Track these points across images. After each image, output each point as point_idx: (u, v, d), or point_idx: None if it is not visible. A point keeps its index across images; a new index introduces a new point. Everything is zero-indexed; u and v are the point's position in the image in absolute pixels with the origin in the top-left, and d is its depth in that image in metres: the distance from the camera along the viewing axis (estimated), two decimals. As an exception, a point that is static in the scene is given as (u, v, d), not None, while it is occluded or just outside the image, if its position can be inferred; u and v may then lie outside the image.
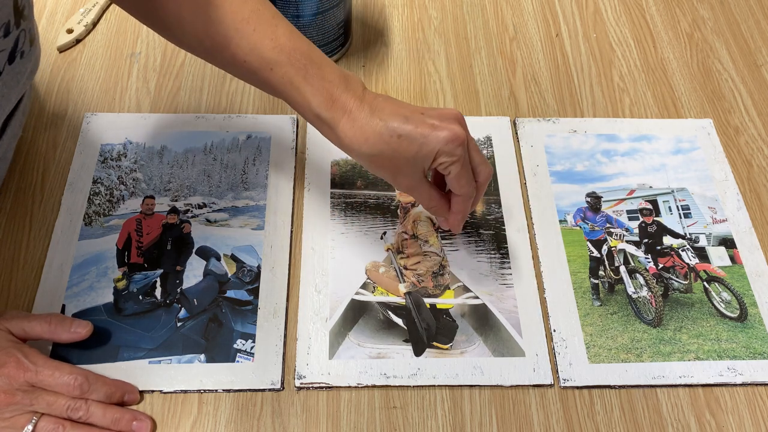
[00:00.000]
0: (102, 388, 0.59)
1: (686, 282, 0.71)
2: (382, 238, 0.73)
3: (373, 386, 0.63)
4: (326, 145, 0.79)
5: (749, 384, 0.65)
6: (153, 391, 0.62)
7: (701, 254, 0.73)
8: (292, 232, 0.72)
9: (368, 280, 0.69)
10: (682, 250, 0.74)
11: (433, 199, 0.61)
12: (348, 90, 0.58)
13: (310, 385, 0.63)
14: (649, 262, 0.73)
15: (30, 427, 0.56)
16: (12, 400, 0.56)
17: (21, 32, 0.61)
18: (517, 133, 0.81)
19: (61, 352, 0.63)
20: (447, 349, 0.66)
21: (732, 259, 0.73)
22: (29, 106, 0.77)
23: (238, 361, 0.64)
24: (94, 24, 0.88)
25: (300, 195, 0.75)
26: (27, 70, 0.66)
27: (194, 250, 0.70)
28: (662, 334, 0.67)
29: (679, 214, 0.76)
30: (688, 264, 0.73)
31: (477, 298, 0.69)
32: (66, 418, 0.57)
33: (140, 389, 0.62)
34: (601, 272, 0.71)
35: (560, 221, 0.75)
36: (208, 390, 0.63)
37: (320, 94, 0.58)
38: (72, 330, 0.62)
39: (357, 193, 0.76)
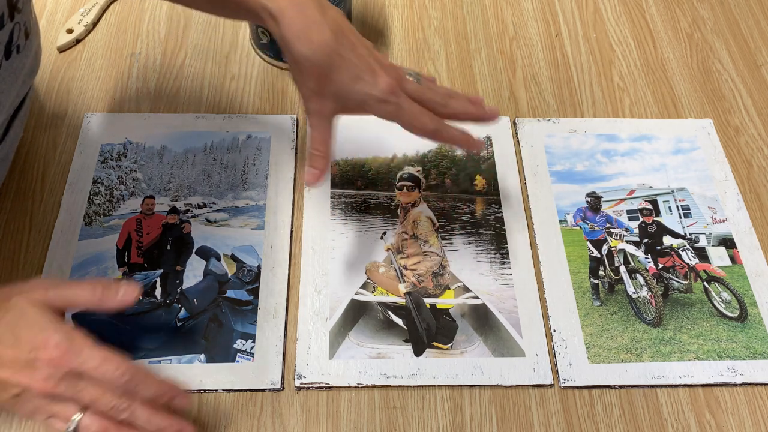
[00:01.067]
0: (151, 389, 0.53)
1: (686, 282, 0.71)
2: (382, 238, 0.73)
3: (373, 386, 0.63)
4: (326, 145, 0.79)
5: (749, 384, 0.65)
6: (153, 391, 0.62)
7: (701, 254, 0.73)
8: (292, 232, 0.72)
9: (368, 280, 0.69)
10: (682, 250, 0.74)
11: (321, 140, 0.60)
12: None
13: (310, 385, 0.63)
14: (649, 262, 0.73)
15: (71, 427, 0.51)
16: (55, 390, 0.50)
17: (15, 25, 0.61)
18: (517, 133, 0.81)
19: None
20: (447, 349, 0.66)
21: (732, 259, 0.73)
22: (29, 107, 0.77)
23: (238, 361, 0.64)
24: (94, 24, 0.88)
25: (300, 195, 0.75)
26: (25, 66, 0.66)
27: (194, 250, 0.70)
28: (662, 334, 0.67)
29: (679, 214, 0.76)
30: (688, 264, 0.73)
31: (477, 298, 0.69)
32: (109, 417, 0.52)
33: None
34: (601, 272, 0.71)
35: (560, 221, 0.75)
36: (208, 390, 0.63)
37: None
38: (121, 296, 0.54)
39: (357, 193, 0.76)
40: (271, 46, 0.83)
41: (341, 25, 0.58)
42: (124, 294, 0.55)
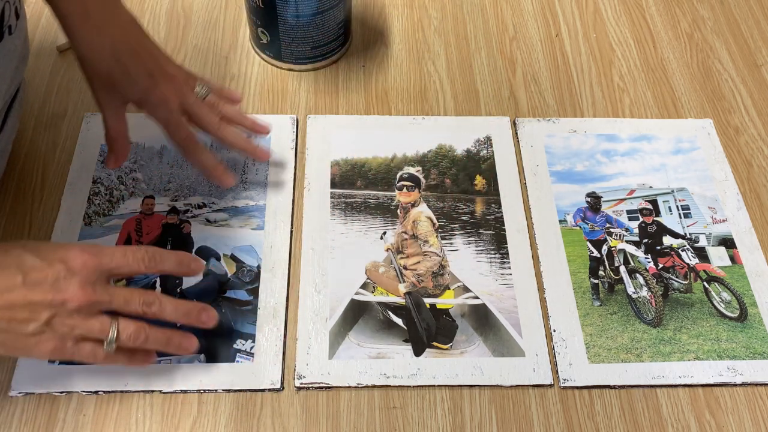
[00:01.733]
0: (171, 257, 0.58)
1: (686, 282, 0.71)
2: (382, 238, 0.73)
3: (373, 386, 0.63)
4: (326, 145, 0.79)
5: (749, 384, 0.65)
6: (153, 391, 0.62)
7: (701, 254, 0.73)
8: (292, 232, 0.72)
9: (368, 280, 0.69)
10: (682, 250, 0.74)
11: (117, 128, 0.66)
12: None
13: (310, 385, 0.63)
14: (649, 262, 0.73)
15: (112, 334, 0.53)
16: (91, 297, 0.52)
17: (5, 4, 0.60)
18: (517, 133, 0.81)
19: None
20: (447, 349, 0.66)
21: (732, 259, 0.73)
22: (23, 99, 0.77)
23: (238, 361, 0.64)
24: (94, 24, 0.88)
25: (300, 195, 0.75)
26: (18, 48, 0.65)
27: (194, 250, 0.70)
28: (662, 334, 0.67)
29: (679, 214, 0.76)
30: (688, 264, 0.73)
31: (477, 298, 0.69)
32: (141, 315, 0.55)
33: (140, 389, 0.62)
34: (601, 272, 0.71)
35: (560, 221, 0.74)
36: (208, 390, 0.63)
37: None
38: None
39: (357, 193, 0.76)
40: (271, 46, 0.83)
41: (127, 31, 0.63)
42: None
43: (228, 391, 0.63)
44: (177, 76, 0.65)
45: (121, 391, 0.62)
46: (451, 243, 0.73)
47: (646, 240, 0.74)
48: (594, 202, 0.77)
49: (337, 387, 0.63)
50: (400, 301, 0.68)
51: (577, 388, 0.64)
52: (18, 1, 0.64)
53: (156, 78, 0.63)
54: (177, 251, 0.61)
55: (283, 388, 0.63)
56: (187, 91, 0.66)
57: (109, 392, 0.62)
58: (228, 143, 0.69)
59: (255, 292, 0.68)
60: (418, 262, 0.71)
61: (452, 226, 0.74)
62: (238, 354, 0.64)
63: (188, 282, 0.68)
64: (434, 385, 0.64)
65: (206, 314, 0.59)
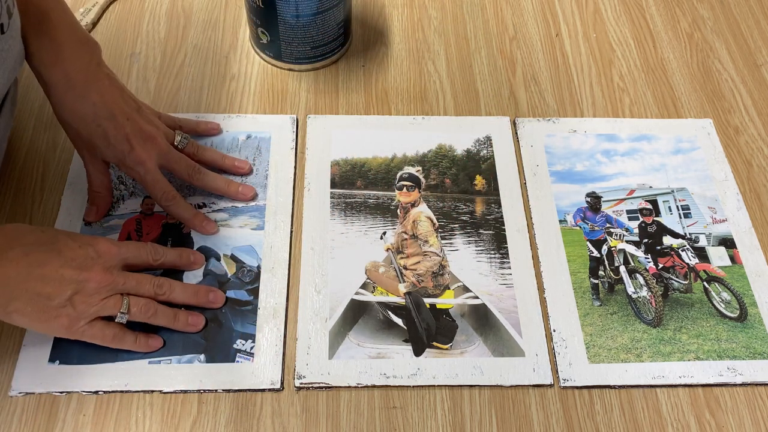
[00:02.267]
0: (172, 251, 0.67)
1: (686, 282, 0.71)
2: (381, 238, 0.73)
3: (373, 386, 0.63)
4: (326, 145, 0.79)
5: (749, 384, 0.65)
6: (153, 391, 0.62)
7: (701, 254, 0.73)
8: (292, 232, 0.72)
9: (368, 280, 0.69)
10: (682, 250, 0.74)
11: (100, 183, 0.71)
12: (78, 58, 0.65)
13: (310, 385, 0.63)
14: (649, 262, 0.73)
15: (124, 308, 0.60)
16: (111, 279, 0.59)
17: None
18: (517, 133, 0.81)
19: (60, 353, 0.63)
20: (447, 349, 0.66)
21: (732, 259, 0.73)
22: (23, 98, 0.77)
23: (237, 361, 0.64)
24: (94, 24, 0.88)
25: (300, 195, 0.75)
26: (13, 49, 0.64)
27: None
28: (662, 334, 0.67)
29: (679, 214, 0.76)
30: (688, 264, 0.73)
31: (477, 298, 0.69)
32: (152, 298, 0.62)
33: (140, 389, 0.62)
34: (601, 272, 0.71)
35: (560, 221, 0.74)
36: (208, 390, 0.63)
37: (46, 53, 0.64)
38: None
39: (357, 193, 0.76)
40: (271, 45, 0.83)
41: (106, 95, 0.66)
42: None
43: (228, 391, 0.63)
44: (155, 136, 0.68)
45: (121, 391, 0.62)
46: (451, 243, 0.73)
47: (646, 240, 0.74)
48: (594, 202, 0.77)
49: (337, 387, 0.63)
50: (400, 301, 0.68)
51: (577, 388, 0.64)
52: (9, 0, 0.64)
53: (132, 142, 0.66)
54: (181, 248, 0.68)
55: (283, 388, 0.63)
56: (164, 146, 0.69)
57: (109, 392, 0.62)
58: (209, 189, 0.73)
59: (255, 292, 0.68)
60: (418, 262, 0.71)
61: (452, 226, 0.74)
62: (238, 354, 0.64)
63: (188, 282, 0.68)
64: (434, 385, 0.64)
65: (213, 294, 0.66)
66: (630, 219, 0.76)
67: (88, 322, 0.59)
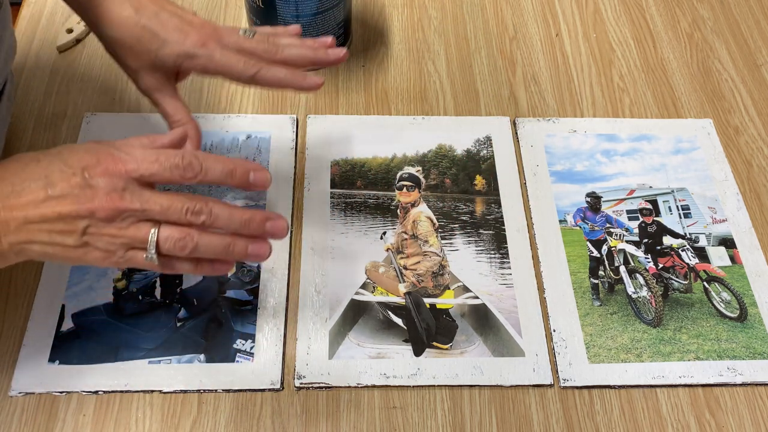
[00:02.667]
0: (216, 165, 0.49)
1: (686, 282, 0.71)
2: (381, 238, 0.73)
3: (373, 386, 0.63)
4: (326, 145, 0.79)
5: (749, 384, 0.65)
6: (153, 391, 0.62)
7: (701, 254, 0.73)
8: (292, 232, 0.72)
9: (368, 280, 0.69)
10: (682, 250, 0.74)
11: (174, 108, 0.61)
12: None
13: (310, 385, 0.63)
14: (649, 262, 0.73)
15: (153, 238, 0.47)
16: (121, 204, 0.46)
17: None
18: (517, 133, 0.81)
19: (60, 353, 0.63)
20: (447, 349, 0.66)
21: (732, 259, 0.73)
22: (21, 98, 0.76)
23: (237, 361, 0.64)
24: (94, 24, 0.88)
25: (300, 195, 0.75)
26: (3, 39, 0.64)
27: (194, 250, 0.70)
28: (662, 334, 0.67)
29: (679, 214, 0.76)
30: (688, 264, 0.72)
31: (477, 298, 0.69)
32: (187, 225, 0.48)
33: (140, 389, 0.62)
34: (601, 272, 0.71)
35: (560, 221, 0.74)
36: (208, 390, 0.63)
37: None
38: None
39: (357, 193, 0.76)
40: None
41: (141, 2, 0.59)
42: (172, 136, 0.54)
43: (228, 391, 0.63)
44: (206, 25, 0.60)
45: (121, 391, 0.62)
46: (451, 243, 0.73)
47: (646, 240, 0.74)
48: (594, 202, 0.77)
49: (337, 387, 0.63)
50: (400, 301, 0.68)
51: (577, 388, 0.64)
52: None
53: (185, 30, 0.58)
54: (228, 158, 0.50)
55: (283, 388, 0.63)
56: (224, 33, 0.59)
57: (109, 392, 0.62)
58: (294, 61, 0.60)
59: (255, 292, 0.68)
60: (418, 262, 0.71)
61: (452, 226, 0.74)
62: (238, 354, 0.64)
63: (188, 282, 0.68)
64: (434, 385, 0.64)
65: (272, 223, 0.49)
66: (630, 219, 0.76)
67: (126, 251, 0.48)
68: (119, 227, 0.47)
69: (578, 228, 0.75)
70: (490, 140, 0.80)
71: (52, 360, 0.63)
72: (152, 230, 0.47)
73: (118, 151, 0.48)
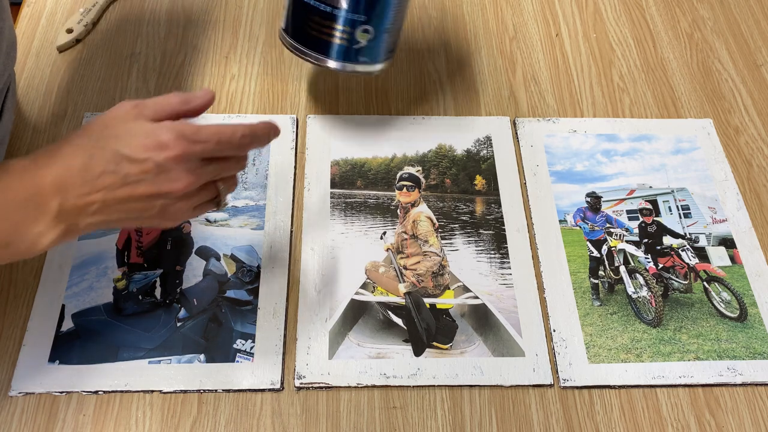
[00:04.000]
0: (263, 130, 0.54)
1: (686, 282, 0.71)
2: (381, 238, 0.72)
3: (373, 386, 0.63)
4: (326, 145, 0.79)
5: (749, 384, 0.65)
6: (153, 391, 0.62)
7: (701, 254, 0.73)
8: (292, 232, 0.72)
9: (368, 280, 0.69)
10: (682, 250, 0.74)
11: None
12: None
13: (310, 385, 0.63)
14: (649, 262, 0.72)
15: (224, 193, 0.55)
16: (195, 180, 0.51)
17: None
18: (516, 133, 0.81)
19: (60, 353, 0.63)
20: (447, 349, 0.66)
21: (732, 259, 0.73)
22: (22, 97, 0.77)
23: (237, 361, 0.64)
24: (94, 24, 0.88)
25: (300, 195, 0.75)
26: (3, 31, 0.64)
27: (194, 250, 0.70)
28: (662, 334, 0.67)
29: (679, 214, 0.76)
30: (688, 264, 0.72)
31: (477, 298, 0.69)
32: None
33: (140, 389, 0.62)
34: (601, 272, 0.71)
35: (560, 221, 0.74)
36: (208, 390, 0.63)
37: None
38: (201, 96, 0.55)
39: (357, 193, 0.76)
40: (374, 45, 0.70)
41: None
42: (203, 95, 0.55)
43: (228, 391, 0.63)
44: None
45: (121, 391, 0.62)
46: (451, 243, 0.73)
47: (646, 240, 0.74)
48: (594, 202, 0.77)
49: (337, 387, 0.63)
50: (400, 301, 0.68)
51: (577, 388, 0.64)
52: None
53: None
54: (264, 122, 0.55)
55: (283, 388, 0.63)
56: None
57: (109, 392, 0.62)
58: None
59: (255, 292, 0.68)
60: (418, 262, 0.71)
61: (452, 226, 0.74)
62: (238, 354, 0.64)
63: (188, 282, 0.68)
64: (434, 385, 0.64)
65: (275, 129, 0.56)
66: (630, 219, 0.76)
67: (195, 209, 0.54)
68: (193, 195, 0.53)
69: (578, 228, 0.74)
70: (490, 140, 0.80)
71: (52, 360, 0.63)
72: (220, 186, 0.54)
73: (182, 134, 0.50)
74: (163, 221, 0.53)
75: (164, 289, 0.68)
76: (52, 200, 0.48)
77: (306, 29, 0.69)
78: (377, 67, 0.72)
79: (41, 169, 0.48)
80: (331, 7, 0.67)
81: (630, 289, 0.70)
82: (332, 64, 0.70)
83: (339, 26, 0.68)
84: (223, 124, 0.52)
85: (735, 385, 0.65)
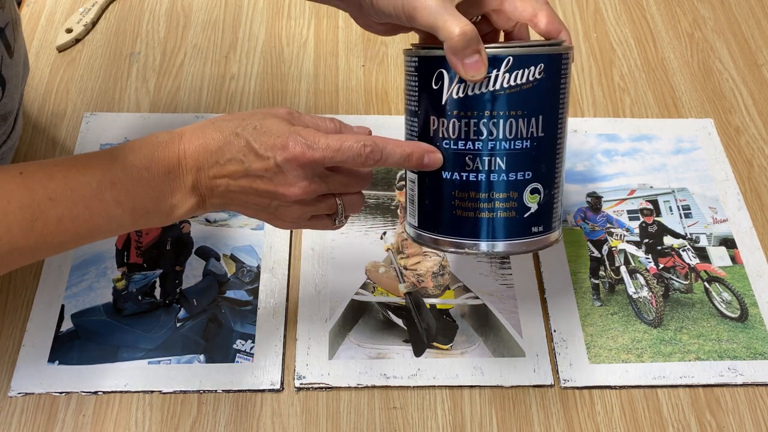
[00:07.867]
0: (396, 150, 0.52)
1: (687, 282, 0.71)
2: (382, 238, 0.72)
3: (373, 387, 0.63)
4: (326, 145, 0.79)
5: (750, 384, 0.65)
6: (152, 392, 0.62)
7: (702, 254, 0.73)
8: (292, 232, 0.72)
9: (368, 280, 0.69)
10: (683, 250, 0.73)
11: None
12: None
13: (310, 386, 0.63)
14: (650, 262, 0.72)
15: (341, 209, 0.54)
16: (309, 189, 0.51)
17: (7, 25, 0.61)
18: (517, 133, 0.81)
19: (60, 353, 0.63)
20: (447, 349, 0.65)
21: (732, 259, 0.73)
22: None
23: (237, 362, 0.64)
24: (94, 24, 0.88)
25: (300, 195, 0.75)
26: (22, 45, 0.65)
27: (194, 250, 0.70)
28: (663, 334, 0.67)
29: (680, 214, 0.76)
30: (688, 264, 0.72)
31: (477, 298, 0.69)
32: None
33: (139, 390, 0.62)
34: (601, 272, 0.71)
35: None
36: (208, 390, 0.62)
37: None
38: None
39: (357, 193, 0.76)
40: (545, 209, 0.54)
41: None
42: (359, 131, 0.56)
43: (228, 391, 0.63)
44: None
45: (121, 391, 0.62)
46: (451, 243, 0.72)
47: (646, 240, 0.74)
48: (594, 202, 0.76)
49: (337, 387, 0.63)
50: (400, 301, 0.68)
51: (577, 388, 0.64)
52: (14, 17, 0.64)
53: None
54: (404, 141, 0.53)
55: (283, 388, 0.63)
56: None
57: (108, 393, 0.62)
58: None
59: (255, 292, 0.68)
60: (418, 262, 0.71)
61: (452, 226, 0.74)
62: (237, 354, 0.64)
63: (188, 282, 0.68)
64: (434, 386, 0.64)
65: (430, 156, 0.53)
66: (630, 219, 0.75)
67: (310, 219, 0.55)
68: (307, 204, 0.53)
69: (579, 228, 0.74)
70: (491, 140, 0.80)
71: (51, 360, 0.63)
72: (338, 202, 0.54)
73: (305, 140, 0.51)
74: (278, 221, 0.55)
75: (164, 290, 0.68)
76: (189, 175, 0.51)
77: (449, 212, 0.53)
78: (554, 235, 0.55)
79: (185, 144, 0.51)
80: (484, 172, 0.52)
81: (631, 290, 0.70)
82: (501, 246, 0.52)
83: (499, 194, 0.52)
84: (350, 135, 0.52)
85: (736, 385, 0.65)
